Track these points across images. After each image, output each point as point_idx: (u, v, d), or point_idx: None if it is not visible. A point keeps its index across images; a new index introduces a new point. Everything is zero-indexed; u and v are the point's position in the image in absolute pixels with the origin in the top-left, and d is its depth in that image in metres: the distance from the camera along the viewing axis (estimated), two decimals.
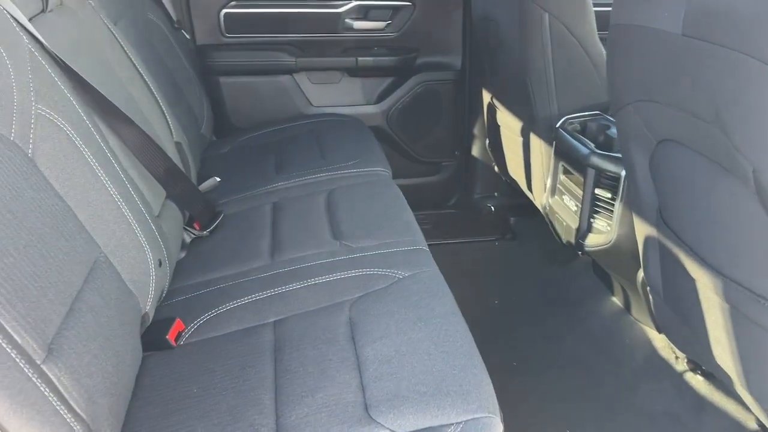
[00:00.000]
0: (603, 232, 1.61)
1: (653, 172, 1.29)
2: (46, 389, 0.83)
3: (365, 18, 2.51)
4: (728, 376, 1.25)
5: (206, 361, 1.19)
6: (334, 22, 2.48)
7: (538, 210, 2.54)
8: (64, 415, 0.85)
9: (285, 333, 1.23)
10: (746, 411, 1.53)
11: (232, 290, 1.40)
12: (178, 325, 1.28)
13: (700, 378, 1.64)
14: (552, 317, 1.96)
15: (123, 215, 1.23)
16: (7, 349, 0.79)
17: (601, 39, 1.82)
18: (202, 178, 1.92)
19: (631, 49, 1.18)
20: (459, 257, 2.41)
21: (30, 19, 1.21)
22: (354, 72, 2.58)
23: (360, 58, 2.52)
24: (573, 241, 1.73)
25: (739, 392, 1.25)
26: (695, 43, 0.98)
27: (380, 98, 2.63)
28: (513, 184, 2.48)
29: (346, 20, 2.49)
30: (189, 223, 1.67)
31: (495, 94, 2.32)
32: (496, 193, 2.73)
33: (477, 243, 2.50)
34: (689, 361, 1.68)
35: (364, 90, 2.63)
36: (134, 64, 1.70)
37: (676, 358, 1.72)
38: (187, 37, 2.41)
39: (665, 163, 1.22)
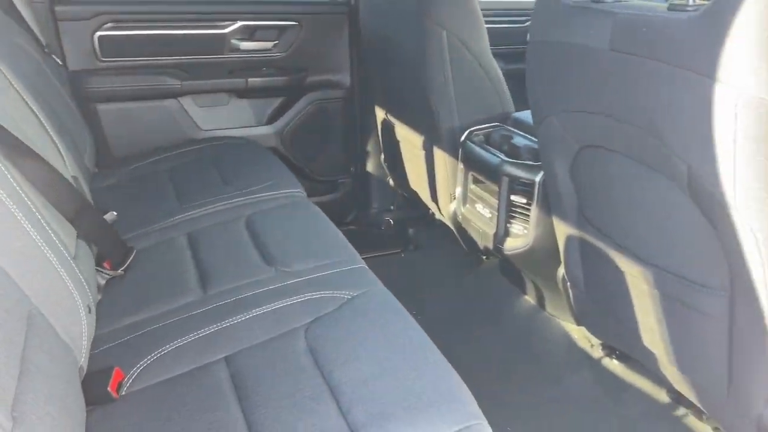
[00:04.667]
0: (520, 236, 1.71)
1: (574, 176, 1.39)
2: None
3: (252, 38, 2.46)
4: (653, 356, 1.38)
5: (159, 409, 1.10)
6: (220, 43, 2.41)
7: (434, 220, 2.63)
8: None
9: (241, 369, 1.17)
10: (659, 386, 1.69)
11: (168, 330, 1.30)
12: (117, 374, 1.17)
13: (615, 362, 1.79)
14: (470, 321, 2.04)
15: (48, 261, 1.11)
16: None
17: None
18: None
19: (554, 63, 1.27)
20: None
21: None
22: (243, 93, 2.52)
23: (250, 79, 2.46)
24: (491, 246, 1.81)
25: (662, 369, 1.38)
26: (624, 57, 1.08)
27: (271, 119, 2.59)
28: (410, 197, 2.55)
29: (233, 41, 2.43)
30: (98, 263, 1.53)
31: (390, 111, 2.37)
32: (392, 207, 2.78)
33: (384, 257, 2.53)
34: (604, 348, 1.82)
35: (254, 111, 2.57)
36: (19, 93, 1.54)
37: (592, 346, 1.86)
38: (59, 62, 2.22)
39: (588, 167, 1.33)
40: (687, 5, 0.98)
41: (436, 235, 2.59)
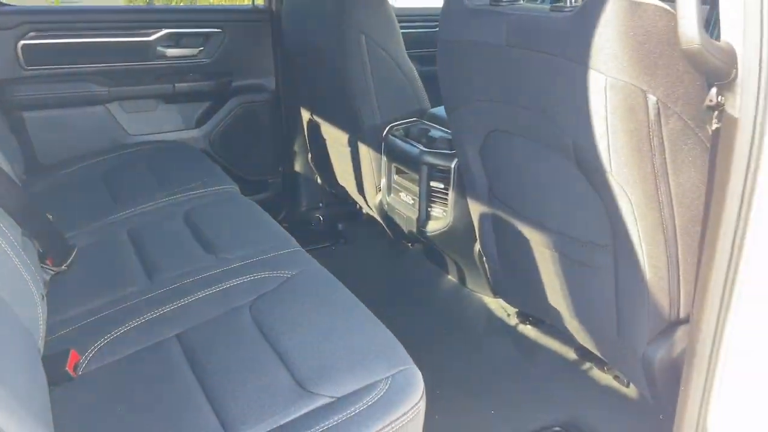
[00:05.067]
0: (440, 218, 1.89)
1: (483, 159, 1.58)
2: None
3: (177, 45, 2.54)
4: (559, 314, 1.58)
5: (119, 383, 1.19)
6: (146, 50, 2.47)
7: (362, 215, 2.79)
8: None
9: (192, 344, 1.28)
10: (567, 345, 1.90)
11: (118, 315, 1.39)
12: (73, 355, 1.25)
13: (529, 327, 2.00)
14: (399, 303, 2.20)
15: (4, 251, 1.18)
16: None
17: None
18: None
19: (460, 59, 1.45)
20: None
21: None
22: (170, 98, 2.59)
23: (177, 84, 2.54)
24: (415, 230, 1.98)
25: (567, 325, 1.58)
26: (517, 51, 1.26)
27: (199, 122, 2.67)
28: (338, 193, 2.69)
29: (158, 48, 2.50)
30: (40, 261, 1.59)
31: (315, 111, 2.51)
32: (321, 204, 2.91)
33: (316, 250, 2.65)
34: (519, 315, 2.03)
35: (182, 115, 2.64)
36: None
37: (508, 315, 2.06)
38: None
39: (494, 150, 1.51)
40: (565, 7, 1.18)
41: (364, 229, 2.74)
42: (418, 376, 1.13)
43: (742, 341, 1.09)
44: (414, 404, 1.07)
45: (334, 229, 2.83)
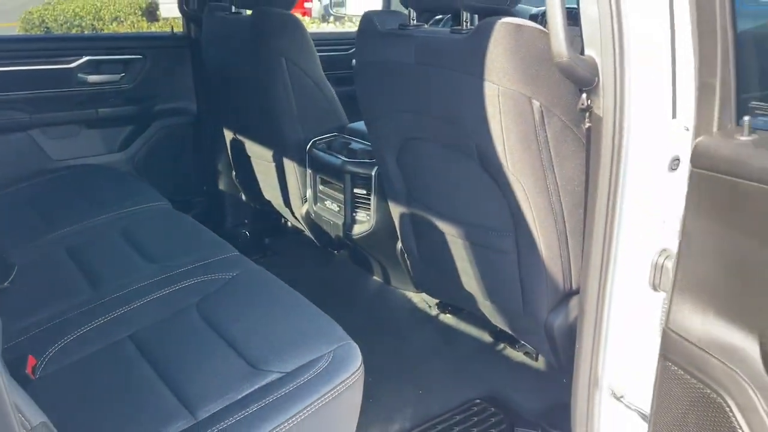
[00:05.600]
0: (365, 221, 2.07)
1: (400, 165, 1.77)
2: None
3: (98, 72, 2.61)
4: (473, 298, 1.79)
5: (79, 381, 1.29)
6: (68, 77, 2.53)
7: (288, 228, 2.93)
8: None
9: (145, 342, 1.38)
10: (482, 329, 2.12)
11: (68, 323, 1.47)
12: (30, 360, 1.33)
13: (449, 316, 2.21)
14: (329, 305, 2.32)
15: None
16: None
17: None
18: None
19: (376, 77, 1.65)
20: None
21: None
22: (93, 123, 2.65)
23: (100, 109, 2.60)
24: (341, 234, 2.15)
25: (481, 307, 1.80)
26: (425, 68, 1.47)
27: (123, 146, 2.74)
28: (263, 209, 2.82)
29: (80, 75, 2.56)
30: None
31: (239, 131, 2.64)
32: (246, 220, 3.03)
33: None
34: (439, 306, 2.23)
35: (105, 139, 2.70)
36: None
37: (430, 306, 2.27)
38: None
39: (410, 156, 1.71)
40: (462, 30, 1.40)
41: (290, 241, 2.88)
42: (356, 349, 1.29)
43: (618, 303, 1.32)
44: (353, 372, 1.24)
45: (261, 244, 2.95)
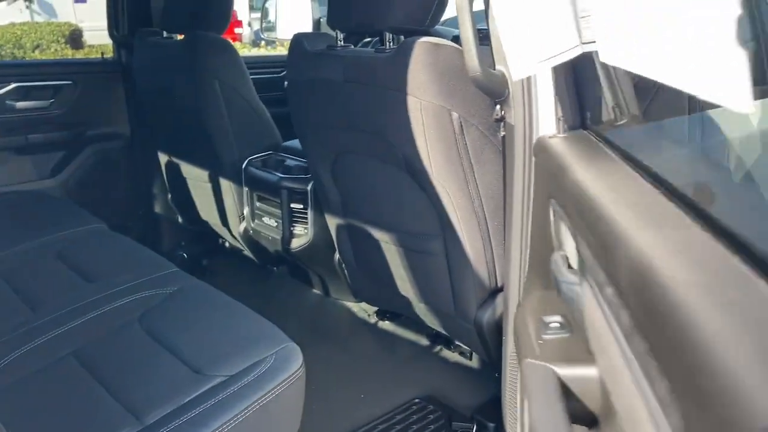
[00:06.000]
0: (302, 235, 2.14)
1: (335, 178, 1.86)
2: None
3: (27, 98, 2.59)
4: (409, 302, 1.88)
5: (22, 398, 1.30)
6: None
7: (226, 248, 2.96)
8: None
9: (88, 357, 1.40)
10: (420, 333, 2.22)
11: (7, 344, 1.47)
12: None
13: (387, 322, 2.30)
14: (272, 320, 2.39)
15: None
16: None
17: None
18: None
19: (307, 94, 1.74)
20: None
21: None
22: (23, 150, 2.62)
23: (30, 136, 2.58)
24: (280, 248, 2.21)
25: (416, 310, 1.89)
26: (354, 86, 1.58)
27: (55, 172, 2.72)
28: (200, 230, 2.85)
29: (7, 102, 2.54)
30: None
31: (174, 153, 2.67)
32: (183, 242, 3.04)
33: None
34: (378, 314, 2.32)
35: (35, 166, 2.68)
36: None
37: (369, 315, 2.35)
38: None
39: (343, 169, 1.80)
40: (386, 50, 1.51)
41: (228, 261, 2.91)
42: (297, 350, 1.36)
43: None
44: (295, 370, 1.30)
45: (199, 265, 2.96)
